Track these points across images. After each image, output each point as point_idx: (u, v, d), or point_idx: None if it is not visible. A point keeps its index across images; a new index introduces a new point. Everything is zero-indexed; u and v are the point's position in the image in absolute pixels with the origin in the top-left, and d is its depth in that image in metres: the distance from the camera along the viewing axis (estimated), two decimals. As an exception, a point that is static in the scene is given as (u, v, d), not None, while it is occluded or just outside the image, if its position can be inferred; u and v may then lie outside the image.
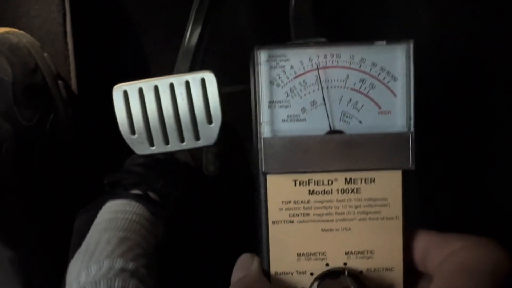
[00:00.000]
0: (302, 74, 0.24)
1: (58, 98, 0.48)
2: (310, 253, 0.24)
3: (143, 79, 0.34)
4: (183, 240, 0.43)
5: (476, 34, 0.48)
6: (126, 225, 0.39)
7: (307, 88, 0.24)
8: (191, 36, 0.40)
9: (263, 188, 0.24)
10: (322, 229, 0.24)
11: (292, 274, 0.24)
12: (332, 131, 0.24)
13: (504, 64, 0.49)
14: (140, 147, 0.35)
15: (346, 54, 0.23)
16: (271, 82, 0.23)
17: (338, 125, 0.24)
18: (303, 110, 0.24)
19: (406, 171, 0.24)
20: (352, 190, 0.24)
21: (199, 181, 0.47)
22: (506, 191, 0.49)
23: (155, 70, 0.55)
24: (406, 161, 0.23)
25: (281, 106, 0.24)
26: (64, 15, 0.49)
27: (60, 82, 0.49)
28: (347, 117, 0.24)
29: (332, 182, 0.24)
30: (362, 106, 0.24)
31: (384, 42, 0.23)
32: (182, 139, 0.35)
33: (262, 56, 0.23)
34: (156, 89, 0.34)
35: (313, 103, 0.24)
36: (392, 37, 0.23)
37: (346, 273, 0.23)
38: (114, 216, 0.39)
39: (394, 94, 0.24)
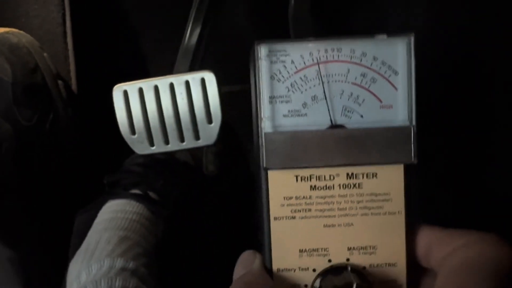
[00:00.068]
0: (303, 68, 0.23)
1: (58, 98, 0.48)
2: (313, 249, 0.24)
3: (143, 79, 0.34)
4: (183, 240, 0.43)
5: (475, 32, 0.48)
6: (126, 224, 0.39)
7: (308, 82, 0.23)
8: (191, 35, 0.40)
9: (265, 184, 0.24)
10: (324, 225, 0.24)
11: (294, 270, 0.24)
12: (334, 126, 0.23)
13: (504, 62, 0.49)
14: (140, 147, 0.35)
15: (347, 48, 0.23)
16: (271, 77, 0.23)
17: (340, 120, 0.24)
18: (304, 105, 0.23)
19: (409, 166, 0.24)
20: (354, 185, 0.23)
21: (199, 181, 0.47)
22: (506, 190, 0.50)
23: (155, 70, 0.55)
24: (408, 155, 0.23)
25: (282, 101, 0.23)
26: (64, 15, 0.49)
27: (60, 82, 0.49)
28: (348, 111, 0.23)
29: (333, 177, 0.23)
30: (363, 100, 0.23)
31: (385, 36, 0.23)
32: (182, 139, 0.35)
33: (262, 50, 0.23)
34: (156, 88, 0.34)
35: (314, 98, 0.23)
36: (393, 31, 0.23)
37: (349, 269, 0.23)
38: (114, 215, 0.39)
39: (396, 88, 0.23)
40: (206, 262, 0.45)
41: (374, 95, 0.23)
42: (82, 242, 0.38)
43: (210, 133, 0.34)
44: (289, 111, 0.24)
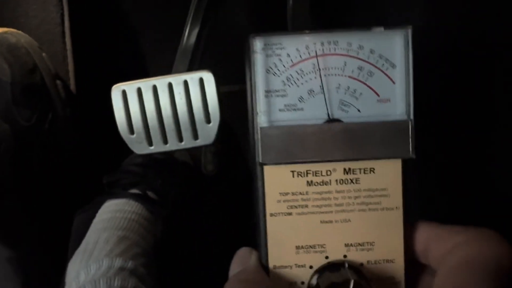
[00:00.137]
0: (299, 62, 0.23)
1: (56, 98, 0.48)
2: (309, 246, 0.23)
3: (141, 79, 0.34)
4: (181, 239, 0.43)
5: (475, 30, 0.48)
6: (125, 224, 0.39)
7: (304, 76, 0.23)
8: (189, 35, 0.40)
9: (261, 180, 0.23)
10: (321, 221, 0.23)
11: (291, 267, 0.23)
12: (330, 120, 0.23)
13: (504, 60, 0.49)
14: (139, 147, 0.35)
15: (344, 41, 0.23)
16: (267, 71, 0.23)
17: (336, 114, 0.23)
18: (301, 99, 0.23)
19: (406, 160, 0.23)
20: (351, 181, 0.23)
21: (198, 180, 0.47)
22: (506, 188, 0.50)
23: (153, 69, 0.55)
24: (405, 150, 0.23)
25: (277, 96, 0.23)
26: (62, 15, 0.49)
27: (58, 82, 0.49)
28: (345, 105, 0.23)
29: (330, 173, 0.23)
30: (361, 94, 0.23)
31: (382, 28, 0.23)
32: (180, 139, 0.35)
33: (257, 44, 0.23)
34: (154, 88, 0.34)
35: (311, 91, 0.23)
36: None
37: (346, 265, 0.23)
38: (113, 215, 0.40)
39: (393, 82, 0.23)
40: (205, 261, 0.45)
41: (371, 88, 0.23)
42: (81, 242, 0.38)
43: (208, 132, 0.34)
44: (285, 105, 0.23)
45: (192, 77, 0.34)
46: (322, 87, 0.23)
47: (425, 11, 0.50)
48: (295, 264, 0.23)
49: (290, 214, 0.23)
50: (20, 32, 0.48)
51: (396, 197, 0.23)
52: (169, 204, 0.42)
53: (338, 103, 0.23)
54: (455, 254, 0.20)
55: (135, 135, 0.34)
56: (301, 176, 0.23)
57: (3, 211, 0.44)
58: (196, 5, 0.41)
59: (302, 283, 0.23)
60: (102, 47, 0.54)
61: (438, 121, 0.50)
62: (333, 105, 0.23)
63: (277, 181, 0.23)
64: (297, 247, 0.23)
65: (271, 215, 0.23)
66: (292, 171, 0.23)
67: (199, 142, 0.34)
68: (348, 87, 0.23)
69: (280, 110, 0.23)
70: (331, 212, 0.23)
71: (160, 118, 0.34)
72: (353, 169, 0.23)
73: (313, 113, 0.23)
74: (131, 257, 0.36)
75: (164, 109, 0.34)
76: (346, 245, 0.23)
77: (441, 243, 0.21)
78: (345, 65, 0.23)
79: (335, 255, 0.23)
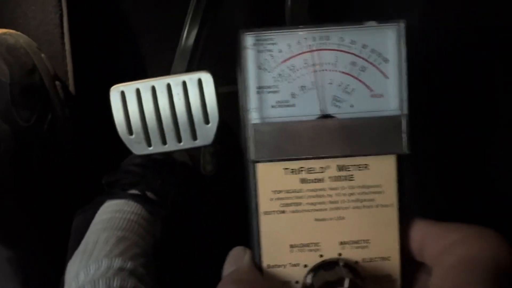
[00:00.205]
0: (291, 58, 0.23)
1: (55, 98, 0.48)
2: (304, 244, 0.23)
3: (140, 80, 0.34)
4: (181, 239, 0.43)
5: (473, 29, 0.49)
6: (124, 224, 0.39)
7: (296, 72, 0.23)
8: (188, 36, 0.40)
9: (253, 178, 0.23)
10: (315, 219, 0.23)
11: (285, 266, 0.23)
12: (323, 116, 0.23)
13: (503, 57, 0.49)
14: (138, 147, 0.35)
15: (336, 36, 0.22)
16: (258, 67, 0.23)
17: (329, 110, 0.23)
18: (293, 95, 0.23)
19: (401, 156, 0.23)
20: (345, 178, 0.23)
21: (197, 181, 0.47)
22: (505, 186, 0.50)
23: (152, 70, 0.55)
24: (399, 145, 0.22)
25: (269, 92, 0.23)
26: (61, 16, 0.49)
27: (57, 82, 0.49)
28: (338, 101, 0.23)
29: (324, 170, 0.23)
30: (353, 89, 0.23)
31: (375, 23, 0.22)
32: (179, 139, 0.35)
33: (248, 40, 0.22)
34: (153, 89, 0.34)
35: (303, 87, 0.23)
36: (375, 17, 0.23)
37: (341, 264, 0.22)
38: (112, 216, 0.40)
39: (386, 76, 0.23)
40: (204, 261, 0.45)
41: (364, 84, 0.23)
42: (81, 242, 0.38)
43: (207, 133, 0.34)
44: (277, 101, 0.23)
45: (191, 78, 0.34)
46: (314, 82, 0.23)
47: (425, 10, 0.50)
48: (289, 263, 0.23)
49: (283, 212, 0.23)
50: (19, 33, 0.48)
51: (390, 194, 0.23)
52: (168, 205, 0.42)
53: (330, 98, 0.23)
54: (452, 253, 0.20)
55: (134, 135, 0.35)
56: (294, 173, 0.23)
57: (2, 211, 0.44)
58: (194, 6, 0.41)
59: (297, 282, 0.23)
60: (101, 48, 0.54)
61: (438, 120, 0.50)
62: (325, 100, 0.23)
63: (270, 179, 0.23)
64: (291, 246, 0.23)
65: (264, 213, 0.23)
66: (285, 169, 0.23)
67: (198, 143, 0.35)
68: (341, 83, 0.23)
69: (272, 106, 0.23)
70: (325, 209, 0.23)
71: (159, 118, 0.34)
72: (346, 165, 0.23)
73: (305, 109, 0.23)
74: (130, 258, 0.36)
75: (163, 109, 0.34)
76: (341, 243, 0.23)
77: (437, 241, 0.21)
78: (338, 60, 0.23)
79: (330, 253, 0.23)
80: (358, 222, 0.23)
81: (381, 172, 0.23)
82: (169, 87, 0.34)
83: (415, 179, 0.51)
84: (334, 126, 0.22)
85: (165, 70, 0.39)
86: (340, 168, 0.23)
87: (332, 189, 0.23)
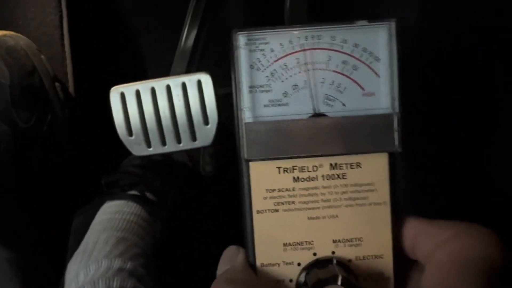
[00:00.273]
0: (283, 57, 0.23)
1: (55, 99, 0.49)
2: (297, 243, 0.23)
3: (140, 81, 0.34)
4: (180, 240, 0.44)
5: (471, 28, 0.49)
6: (123, 225, 0.39)
7: (288, 71, 0.23)
8: (187, 38, 0.40)
9: (246, 177, 0.23)
10: (308, 217, 0.23)
11: (279, 265, 0.23)
12: (316, 115, 0.23)
13: (500, 56, 0.49)
14: (137, 148, 0.35)
15: (327, 35, 0.23)
16: (251, 66, 0.23)
17: (322, 108, 0.23)
18: (285, 94, 0.23)
19: (393, 154, 0.23)
20: (338, 176, 0.23)
21: (196, 181, 0.48)
22: (502, 185, 0.50)
23: (152, 71, 0.55)
24: (391, 143, 0.22)
25: (262, 91, 0.23)
26: (61, 17, 0.49)
27: (57, 84, 0.49)
28: (330, 100, 0.23)
29: (317, 168, 0.23)
30: (345, 88, 0.23)
31: (366, 22, 0.23)
32: (179, 140, 0.35)
33: (241, 39, 0.22)
34: (153, 90, 0.34)
35: (295, 86, 0.23)
36: (374, 17, 0.23)
37: (335, 262, 0.22)
38: (112, 216, 0.40)
39: (378, 75, 0.23)
40: (204, 262, 0.45)
41: (356, 82, 0.23)
42: (80, 242, 0.39)
43: (206, 134, 0.34)
44: (269, 100, 0.23)
45: (190, 79, 0.34)
46: (306, 81, 0.23)
47: (425, 8, 0.50)
48: (283, 262, 0.23)
49: (277, 211, 0.23)
50: (19, 34, 0.48)
51: (383, 192, 0.23)
52: (167, 205, 0.43)
53: (323, 97, 0.23)
54: (443, 250, 0.20)
55: (133, 136, 0.35)
56: (287, 172, 0.23)
57: (2, 212, 0.44)
58: (194, 8, 0.41)
59: (290, 280, 0.23)
60: (100, 49, 0.54)
61: (438, 120, 0.50)
62: (318, 99, 0.23)
63: (263, 178, 0.23)
64: (285, 244, 0.23)
65: (258, 212, 0.23)
66: (278, 167, 0.23)
67: (197, 144, 0.35)
68: (333, 81, 0.23)
69: (264, 105, 0.23)
70: (318, 208, 0.23)
71: (158, 120, 0.34)
72: (339, 164, 0.23)
73: (298, 108, 0.23)
74: (130, 258, 0.36)
75: (163, 111, 0.34)
76: (334, 241, 0.23)
77: (429, 239, 0.21)
78: (330, 59, 0.23)
79: (323, 252, 0.23)
80: (351, 220, 0.23)
81: (373, 170, 0.23)
82: (168, 88, 0.34)
83: (414, 179, 0.52)
84: (326, 125, 0.22)
85: (164, 71, 0.39)
86: (333, 166, 0.23)
87: (325, 187, 0.23)
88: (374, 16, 0.23)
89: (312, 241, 0.23)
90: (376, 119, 0.23)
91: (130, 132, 0.35)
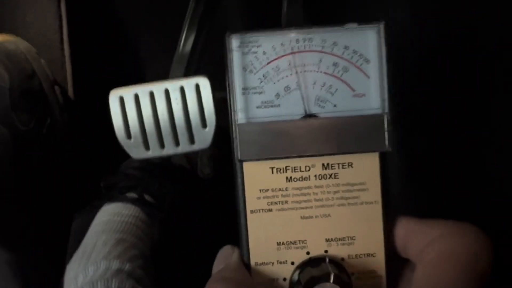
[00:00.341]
0: (275, 59, 0.23)
1: (54, 103, 0.49)
2: (290, 242, 0.23)
3: (138, 85, 0.35)
4: (178, 241, 0.44)
5: (472, 28, 0.49)
6: (122, 227, 0.39)
7: (280, 73, 0.23)
8: (186, 42, 0.41)
9: (240, 177, 0.23)
10: (301, 217, 0.23)
11: (272, 264, 0.23)
12: (307, 116, 0.23)
13: (498, 56, 0.49)
14: (136, 151, 0.35)
15: (318, 38, 0.23)
16: (244, 69, 0.23)
17: (313, 110, 0.23)
18: (277, 95, 0.23)
19: (384, 154, 0.23)
20: (330, 176, 0.23)
21: (194, 184, 0.48)
22: (504, 188, 0.50)
23: (150, 75, 0.56)
24: (382, 143, 0.23)
25: (255, 93, 0.23)
26: (61, 22, 0.50)
27: (56, 87, 0.50)
28: (321, 101, 0.23)
29: (309, 168, 0.23)
30: (336, 89, 0.23)
31: (355, 25, 0.23)
32: (177, 143, 0.35)
33: (234, 42, 0.23)
34: (151, 94, 0.34)
35: (287, 88, 0.23)
36: (364, 20, 0.23)
37: (327, 260, 0.23)
38: (110, 218, 0.40)
39: (368, 77, 0.23)
40: (202, 263, 0.46)
41: (347, 84, 0.23)
42: (79, 244, 0.39)
43: (204, 137, 0.35)
44: (262, 102, 0.23)
45: (189, 83, 0.34)
46: (298, 83, 0.23)
47: (424, 9, 0.50)
48: (277, 261, 0.23)
49: (270, 210, 0.23)
50: (18, 38, 0.48)
51: (374, 191, 0.23)
52: (166, 207, 0.43)
53: (314, 99, 0.23)
54: (432, 248, 0.20)
55: (132, 139, 0.35)
56: (280, 172, 0.23)
57: (2, 214, 0.44)
58: (192, 12, 0.41)
59: (284, 279, 0.23)
60: (99, 53, 0.54)
61: (437, 119, 0.50)
62: (309, 101, 0.23)
63: (257, 178, 0.23)
64: (278, 244, 0.23)
65: (251, 211, 0.23)
66: (271, 168, 0.23)
67: (196, 147, 0.35)
68: (324, 83, 0.23)
69: (257, 107, 0.23)
70: (311, 207, 0.23)
71: (157, 123, 0.34)
72: (331, 164, 0.23)
73: (290, 109, 0.23)
74: (128, 259, 0.36)
75: (161, 114, 0.34)
76: (327, 240, 0.23)
77: (419, 237, 0.21)
78: (321, 61, 0.23)
79: (316, 251, 0.23)
80: (343, 219, 0.23)
81: (365, 169, 0.23)
82: (167, 91, 0.34)
83: (413, 179, 0.52)
84: (318, 125, 0.23)
85: (163, 74, 0.40)
86: (325, 166, 0.23)
87: (317, 187, 0.23)
88: (370, 17, 0.24)
89: (305, 240, 0.23)
90: (367, 119, 0.23)
91: (128, 135, 0.35)
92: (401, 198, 0.51)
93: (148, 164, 0.45)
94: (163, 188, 0.44)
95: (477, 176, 0.51)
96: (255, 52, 0.23)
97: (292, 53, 0.23)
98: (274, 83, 0.23)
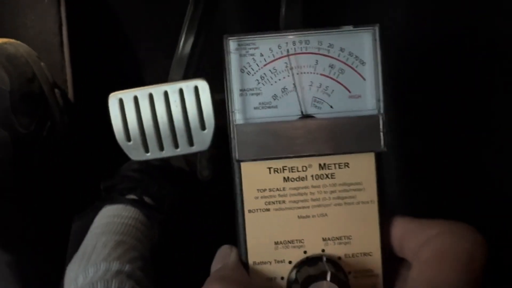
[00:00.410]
0: (272, 61, 0.24)
1: (54, 106, 0.49)
2: (288, 241, 0.23)
3: (138, 87, 0.35)
4: (178, 243, 0.44)
5: (472, 28, 0.49)
6: (122, 229, 0.39)
7: (277, 75, 0.24)
8: (185, 44, 0.41)
9: (238, 177, 0.24)
10: (298, 216, 0.24)
11: (270, 263, 0.23)
12: (304, 116, 0.24)
13: (497, 57, 0.49)
14: (136, 153, 0.35)
15: (314, 40, 0.23)
16: (241, 70, 0.23)
17: (310, 110, 0.24)
18: (274, 97, 0.24)
19: (379, 154, 0.24)
20: (327, 176, 0.23)
21: (193, 185, 0.48)
22: (504, 188, 0.50)
23: (149, 78, 0.56)
24: (377, 144, 0.23)
25: (252, 94, 0.24)
26: (60, 25, 0.50)
27: (56, 90, 0.50)
28: (318, 102, 0.24)
29: (306, 168, 0.24)
30: (332, 91, 0.24)
31: (351, 27, 0.23)
32: (176, 145, 0.35)
33: (231, 44, 0.23)
34: (150, 96, 0.35)
35: (284, 89, 0.24)
36: (359, 22, 0.24)
37: (324, 259, 0.23)
38: (110, 220, 0.40)
39: (363, 78, 0.24)
40: (201, 265, 0.46)
41: (343, 85, 0.24)
42: (79, 246, 0.39)
43: (203, 139, 0.35)
44: (259, 103, 0.24)
45: (188, 85, 0.35)
46: (295, 85, 0.24)
47: (424, 9, 0.50)
48: (274, 260, 0.23)
49: (268, 210, 0.23)
50: (19, 42, 0.49)
51: (371, 191, 0.24)
52: (165, 209, 0.43)
53: (311, 100, 0.24)
54: (428, 247, 0.21)
55: (132, 142, 0.35)
56: (278, 172, 0.23)
57: (2, 216, 0.44)
58: (191, 15, 0.41)
59: (282, 278, 0.24)
60: (99, 57, 0.54)
61: (437, 119, 0.50)
62: (306, 102, 0.24)
63: (254, 178, 0.23)
64: (276, 243, 0.23)
65: (249, 211, 0.23)
66: (269, 168, 0.24)
67: (195, 149, 0.35)
68: (320, 85, 0.24)
69: (255, 108, 0.24)
70: (308, 207, 0.24)
71: (156, 125, 0.35)
72: (328, 164, 0.24)
73: (287, 110, 0.24)
74: (128, 261, 0.36)
75: (160, 116, 0.35)
76: (324, 239, 0.23)
77: (415, 237, 0.22)
78: (317, 63, 0.24)
79: (314, 250, 0.23)
80: (340, 219, 0.24)
81: (361, 169, 0.24)
82: (166, 94, 0.35)
83: (412, 179, 0.52)
84: (314, 126, 0.23)
85: (162, 77, 0.40)
86: (322, 166, 0.24)
87: (314, 187, 0.24)
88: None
89: (303, 239, 0.24)
90: (363, 120, 0.23)
91: (128, 137, 0.35)
92: (400, 198, 0.51)
93: (148, 166, 0.45)
94: (162, 190, 0.44)
95: (476, 176, 0.51)
96: (253, 54, 0.23)
97: (288, 55, 0.24)
98: (271, 84, 0.24)
